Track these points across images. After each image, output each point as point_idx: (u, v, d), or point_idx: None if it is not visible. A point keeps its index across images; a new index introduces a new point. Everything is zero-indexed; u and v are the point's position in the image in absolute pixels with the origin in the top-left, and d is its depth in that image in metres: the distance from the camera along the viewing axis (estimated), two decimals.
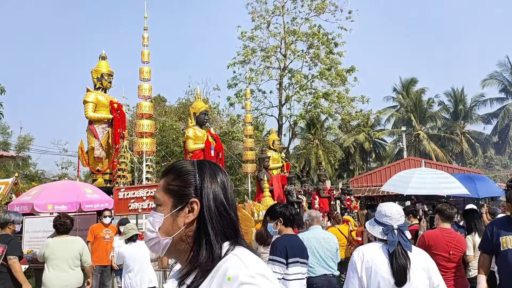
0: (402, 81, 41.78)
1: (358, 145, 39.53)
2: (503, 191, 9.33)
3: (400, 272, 2.67)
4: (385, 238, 2.85)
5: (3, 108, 16.79)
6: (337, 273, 5.01)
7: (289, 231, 4.30)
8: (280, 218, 4.25)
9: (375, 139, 40.29)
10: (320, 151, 31.04)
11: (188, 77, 46.86)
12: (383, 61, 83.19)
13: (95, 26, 77.36)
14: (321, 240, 4.94)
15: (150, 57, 11.74)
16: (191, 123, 10.58)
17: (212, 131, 10.68)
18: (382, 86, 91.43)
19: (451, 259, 4.74)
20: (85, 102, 11.93)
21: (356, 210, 11.71)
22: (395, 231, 2.85)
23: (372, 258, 2.77)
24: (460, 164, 35.89)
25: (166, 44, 70.79)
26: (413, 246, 2.90)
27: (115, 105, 12.02)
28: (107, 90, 12.41)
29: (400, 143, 35.54)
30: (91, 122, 12.04)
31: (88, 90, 12.11)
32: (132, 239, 6.04)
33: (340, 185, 19.85)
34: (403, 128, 34.23)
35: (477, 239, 6.08)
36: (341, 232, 7.97)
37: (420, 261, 2.79)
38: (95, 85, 12.23)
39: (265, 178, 9.03)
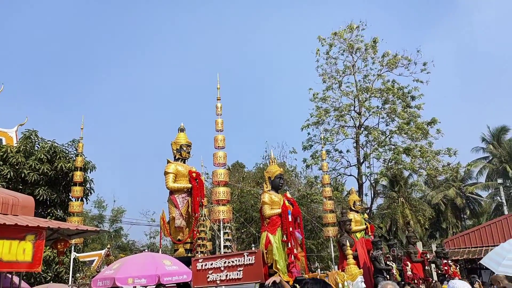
0: (491, 130, 38.85)
1: (449, 201, 36.73)
2: None
3: None
4: None
5: (94, 184, 18.01)
6: None
7: None
8: None
9: (468, 194, 37.06)
10: (406, 209, 29.05)
11: (264, 142, 48.09)
12: (465, 111, 78.70)
13: (174, 98, 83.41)
14: None
15: (224, 125, 12.03)
16: (267, 187, 10.34)
17: (289, 195, 10.30)
18: (468, 138, 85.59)
19: None
20: (165, 173, 12.33)
21: (456, 277, 10.33)
22: None
23: None
24: None
25: (242, 110, 73.80)
26: None
27: (194, 174, 12.27)
28: (186, 161, 12.78)
29: (498, 198, 32.17)
30: (172, 192, 12.34)
31: (168, 161, 12.56)
32: None
33: (434, 247, 18.02)
34: (499, 181, 31.06)
35: None
36: None
37: None
38: (174, 156, 12.67)
39: (348, 243, 8.37)
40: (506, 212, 26.66)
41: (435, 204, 36.12)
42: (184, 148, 12.68)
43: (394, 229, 33.15)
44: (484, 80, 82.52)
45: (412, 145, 20.30)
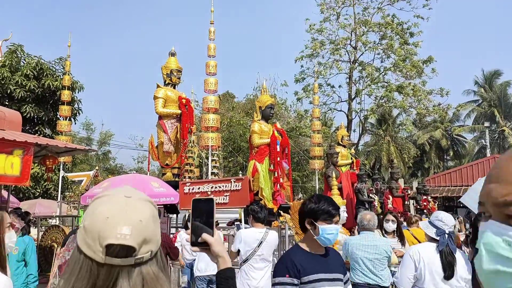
0: (484, 73, 38.62)
1: (434, 142, 37.37)
2: None
3: (449, 267, 3.40)
4: (437, 238, 3.51)
5: (82, 104, 17.76)
6: (385, 283, 4.53)
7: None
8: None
9: (454, 136, 37.70)
10: (392, 148, 29.55)
11: (256, 73, 47.29)
12: (462, 52, 77.68)
13: (164, 21, 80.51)
14: (369, 248, 4.62)
15: (217, 51, 11.68)
16: (257, 117, 10.31)
17: (278, 126, 10.33)
18: (461, 79, 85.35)
19: None
20: (155, 97, 12.15)
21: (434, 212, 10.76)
22: (446, 235, 3.53)
23: (426, 256, 3.47)
24: None
25: (235, 40, 71.79)
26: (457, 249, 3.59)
27: (183, 100, 12.11)
28: (176, 86, 12.54)
29: (483, 140, 32.87)
30: (161, 117, 12.24)
31: (158, 86, 12.32)
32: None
33: (415, 185, 18.61)
34: (486, 124, 31.51)
35: None
36: (414, 236, 7.23)
37: (461, 260, 3.51)
38: (164, 81, 12.42)
39: (334, 175, 8.55)
40: (488, 155, 27.39)
41: (420, 144, 36.75)
42: (175, 73, 12.38)
43: (378, 166, 33.98)
44: (485, 22, 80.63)
45: (406, 83, 20.10)
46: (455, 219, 9.63)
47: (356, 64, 22.05)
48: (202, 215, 1.41)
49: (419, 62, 19.86)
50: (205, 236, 1.38)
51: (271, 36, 73.42)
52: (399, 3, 21.40)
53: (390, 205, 10.43)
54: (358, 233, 5.07)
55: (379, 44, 21.16)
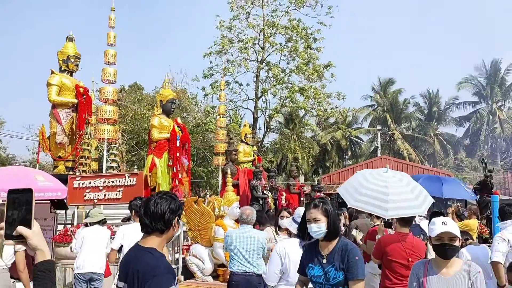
0: (380, 80, 42.10)
1: (335, 142, 39.73)
2: (473, 195, 9.35)
3: None
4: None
5: None
6: (259, 271, 4.99)
7: None
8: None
9: (352, 137, 40.54)
10: (296, 146, 30.91)
11: (167, 66, 46.29)
12: (364, 60, 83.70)
13: (66, 4, 75.24)
14: (246, 239, 5.08)
15: (117, 40, 11.20)
16: (157, 111, 10.12)
17: (179, 121, 10.23)
18: (362, 85, 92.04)
19: (410, 266, 4.50)
20: (48, 84, 11.31)
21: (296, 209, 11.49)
22: None
23: (292, 251, 3.73)
24: (431, 165, 36.37)
25: (147, 30, 69.40)
26: None
27: (81, 89, 11.45)
28: (74, 74, 11.80)
29: (375, 142, 35.78)
30: (54, 106, 11.44)
31: (52, 72, 11.49)
32: (99, 223, 6.08)
33: (316, 182, 19.69)
34: (379, 127, 34.45)
35: None
36: None
37: None
38: (60, 68, 11.61)
39: (229, 172, 8.71)
40: (379, 155, 30.01)
41: (323, 144, 38.81)
42: (72, 60, 11.64)
43: (284, 163, 35.33)
44: (383, 33, 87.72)
45: (307, 85, 21.18)
46: (340, 214, 10.42)
47: (264, 64, 22.68)
48: (21, 206, 1.37)
49: (320, 67, 21.07)
50: (21, 228, 1.34)
51: (184, 29, 72.32)
52: (304, 9, 22.50)
53: (283, 202, 10.96)
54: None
55: (285, 47, 22.00)
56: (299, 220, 3.94)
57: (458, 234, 2.94)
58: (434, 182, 8.10)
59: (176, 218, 2.34)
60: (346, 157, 41.98)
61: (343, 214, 10.64)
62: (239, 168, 10.84)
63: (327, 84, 21.57)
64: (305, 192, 14.61)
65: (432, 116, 41.86)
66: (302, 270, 3.11)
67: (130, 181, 8.65)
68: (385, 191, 4.63)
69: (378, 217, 7.13)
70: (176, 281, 2.17)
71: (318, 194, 14.21)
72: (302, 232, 3.10)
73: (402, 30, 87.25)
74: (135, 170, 13.98)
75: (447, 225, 2.93)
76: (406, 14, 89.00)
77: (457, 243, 2.96)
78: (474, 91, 41.12)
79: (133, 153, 21.99)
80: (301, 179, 22.51)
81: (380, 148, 34.31)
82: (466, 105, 41.63)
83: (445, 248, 2.95)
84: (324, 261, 2.92)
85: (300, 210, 4.04)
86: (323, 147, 39.22)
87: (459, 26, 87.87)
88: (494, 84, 39.67)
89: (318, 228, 2.91)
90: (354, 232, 7.33)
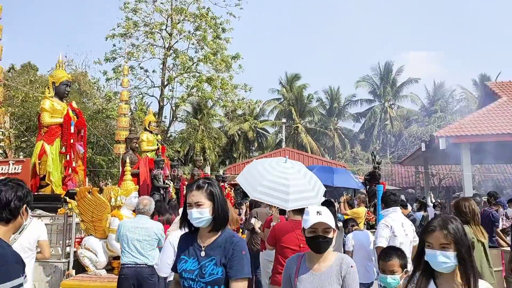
0: (287, 75, 43.62)
1: (242, 133, 40.32)
2: (360, 185, 10.11)
3: None
4: None
5: None
6: (152, 262, 4.87)
7: None
8: None
9: (258, 129, 41.51)
10: (204, 137, 30.74)
11: (66, 46, 42.77)
12: (274, 55, 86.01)
13: None
14: (140, 230, 4.91)
15: (2, 13, 9.99)
16: (49, 93, 9.26)
17: (74, 105, 9.49)
18: (271, 79, 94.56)
19: (301, 251, 4.69)
20: None
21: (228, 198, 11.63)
22: None
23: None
24: (331, 158, 38.73)
25: (46, 7, 63.57)
26: None
27: None
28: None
29: (281, 134, 37.06)
30: None
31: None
32: None
33: (221, 172, 19.78)
34: (284, 120, 35.75)
35: None
36: None
37: None
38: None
39: (128, 160, 8.33)
40: (283, 146, 31.19)
41: (231, 135, 39.20)
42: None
43: (192, 154, 34.98)
44: (291, 28, 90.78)
45: (215, 75, 21.10)
46: (242, 204, 10.59)
47: (171, 51, 22.07)
48: None
49: (228, 57, 21.10)
50: None
51: (86, 8, 67.56)
52: None
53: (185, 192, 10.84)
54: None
55: (193, 35, 21.62)
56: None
57: (333, 224, 2.66)
58: (326, 172, 8.67)
59: (25, 206, 2.19)
60: (253, 148, 42.90)
61: (245, 203, 10.81)
62: (139, 157, 10.44)
63: (235, 75, 21.73)
64: None
65: (333, 111, 44.50)
66: (175, 266, 2.58)
67: (15, 169, 7.90)
68: (285, 183, 4.70)
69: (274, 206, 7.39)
70: (24, 272, 2.02)
71: (222, 184, 14.32)
72: (183, 220, 2.56)
73: (311, 28, 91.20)
74: (21, 157, 12.74)
75: (321, 215, 2.63)
76: (317, 14, 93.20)
77: (331, 235, 2.67)
78: (369, 89, 44.50)
79: (23, 139, 20.02)
80: (207, 169, 22.50)
81: (285, 140, 35.63)
82: (363, 102, 44.95)
83: (319, 241, 2.64)
84: (202, 253, 2.43)
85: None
86: (230, 138, 39.61)
87: (359, 27, 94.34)
88: (387, 84, 43.33)
89: (200, 215, 2.41)
90: (253, 220, 7.47)
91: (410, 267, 2.84)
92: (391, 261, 3.12)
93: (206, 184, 2.50)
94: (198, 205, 2.43)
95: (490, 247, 7.37)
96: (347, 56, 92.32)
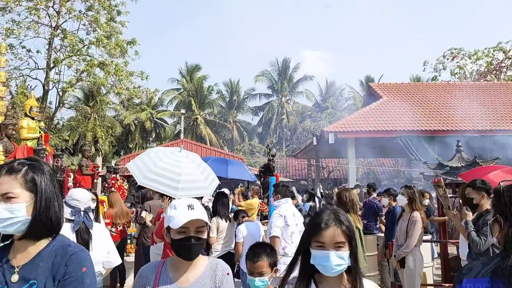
0: (187, 65, 42.98)
1: (139, 123, 38.98)
2: (253, 177, 10.37)
3: (85, 245, 3.39)
4: (72, 218, 3.53)
5: None
6: None
7: None
8: None
9: (156, 119, 40.36)
10: (97, 126, 28.87)
11: None
12: (174, 43, 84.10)
13: None
14: None
15: None
16: None
17: None
18: (171, 68, 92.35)
19: None
20: None
21: (113, 189, 11.09)
22: (82, 213, 3.59)
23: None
24: (229, 150, 39.20)
25: None
26: (94, 223, 3.76)
27: None
28: None
29: (179, 125, 36.44)
30: None
31: None
32: None
33: (113, 163, 18.67)
34: (183, 111, 35.24)
35: (221, 221, 6.31)
36: None
37: (99, 235, 3.68)
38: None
39: (1, 149, 7.43)
40: (182, 137, 30.75)
41: (126, 124, 37.59)
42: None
43: (82, 143, 32.66)
44: (193, 17, 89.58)
45: (108, 60, 19.85)
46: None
47: (58, 31, 20.18)
48: None
49: (123, 42, 19.99)
50: None
51: None
52: None
53: (70, 183, 10.05)
54: None
55: (85, 15, 20.00)
56: (74, 203, 3.56)
57: (208, 220, 2.09)
58: (221, 163, 8.72)
59: None
60: (151, 139, 41.69)
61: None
62: (16, 145, 9.37)
63: (131, 61, 20.63)
64: (99, 174, 13.78)
65: (232, 104, 45.02)
66: None
67: None
68: (177, 171, 4.60)
69: (168, 197, 7.18)
70: None
71: (114, 176, 13.59)
72: None
73: (212, 19, 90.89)
74: None
75: (194, 209, 2.07)
76: (219, 5, 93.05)
77: (205, 235, 2.08)
78: (268, 84, 45.87)
79: None
80: (99, 160, 21.17)
81: (183, 132, 35.14)
82: (261, 96, 46.18)
83: (191, 244, 2.01)
84: (15, 277, 1.59)
85: (74, 192, 3.66)
86: (126, 127, 37.99)
87: (260, 22, 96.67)
88: (284, 80, 45.07)
89: (10, 213, 1.59)
90: (143, 213, 7.19)
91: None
92: (259, 261, 2.87)
93: (26, 167, 1.66)
94: (7, 197, 1.59)
95: (366, 233, 8.07)
96: (248, 50, 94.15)
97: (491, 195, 4.38)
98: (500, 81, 26.25)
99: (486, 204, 4.53)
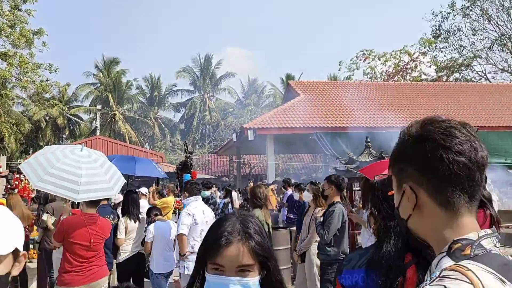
0: (104, 59, 40.96)
1: (51, 119, 36.55)
2: (163, 174, 10.27)
3: None
4: None
5: None
6: None
7: None
8: None
9: (70, 115, 38.08)
10: (3, 123, 26.44)
11: None
12: (89, 36, 79.76)
13: None
14: None
15: None
16: None
17: None
18: (86, 62, 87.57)
19: (92, 247, 4.41)
20: None
21: (14, 191, 10.29)
22: None
23: None
24: (150, 147, 38.15)
25: None
26: None
27: None
28: None
29: (95, 122, 34.71)
30: None
31: None
32: None
33: (20, 162, 17.26)
34: (99, 107, 33.57)
35: (130, 222, 6.09)
36: None
37: None
38: None
39: None
40: (98, 134, 29.24)
41: (36, 121, 35.06)
42: None
43: None
44: (109, 8, 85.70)
45: (12, 51, 18.21)
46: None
47: None
48: None
49: (29, 32, 18.47)
50: None
51: None
52: None
53: None
54: None
55: None
56: None
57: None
58: (128, 161, 8.46)
59: None
60: (64, 136, 39.28)
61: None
62: None
63: (38, 53, 19.09)
64: (1, 175, 12.69)
65: (153, 100, 43.83)
66: None
67: None
68: (77, 172, 4.33)
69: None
70: None
71: (17, 176, 12.55)
72: None
73: (130, 11, 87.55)
74: None
75: None
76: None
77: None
78: (190, 80, 45.31)
79: None
80: (3, 159, 19.48)
81: (100, 128, 33.51)
82: (183, 92, 45.52)
83: None
84: None
85: None
86: (36, 124, 35.37)
87: (181, 16, 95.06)
88: (206, 76, 44.80)
89: None
90: (44, 216, 6.70)
91: None
92: None
93: None
94: None
95: (281, 227, 8.28)
96: (169, 45, 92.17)
97: (341, 190, 5.19)
98: (406, 82, 28.46)
99: (335, 196, 5.12)
